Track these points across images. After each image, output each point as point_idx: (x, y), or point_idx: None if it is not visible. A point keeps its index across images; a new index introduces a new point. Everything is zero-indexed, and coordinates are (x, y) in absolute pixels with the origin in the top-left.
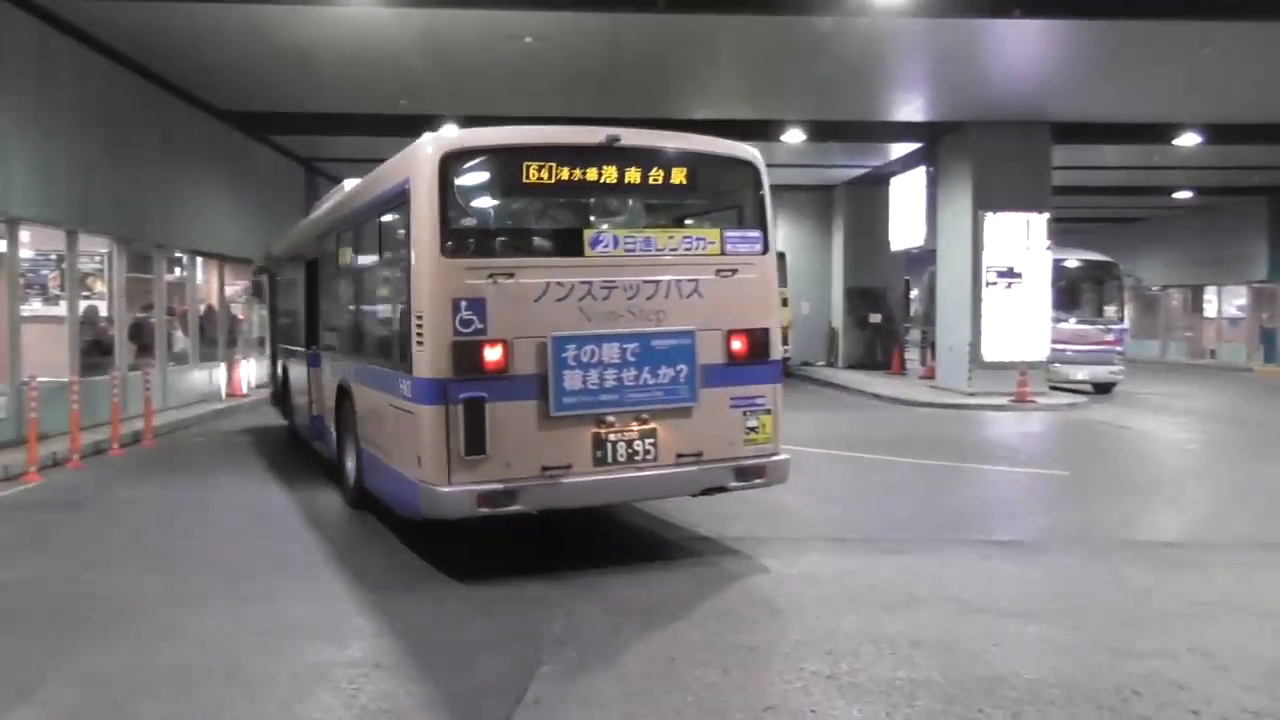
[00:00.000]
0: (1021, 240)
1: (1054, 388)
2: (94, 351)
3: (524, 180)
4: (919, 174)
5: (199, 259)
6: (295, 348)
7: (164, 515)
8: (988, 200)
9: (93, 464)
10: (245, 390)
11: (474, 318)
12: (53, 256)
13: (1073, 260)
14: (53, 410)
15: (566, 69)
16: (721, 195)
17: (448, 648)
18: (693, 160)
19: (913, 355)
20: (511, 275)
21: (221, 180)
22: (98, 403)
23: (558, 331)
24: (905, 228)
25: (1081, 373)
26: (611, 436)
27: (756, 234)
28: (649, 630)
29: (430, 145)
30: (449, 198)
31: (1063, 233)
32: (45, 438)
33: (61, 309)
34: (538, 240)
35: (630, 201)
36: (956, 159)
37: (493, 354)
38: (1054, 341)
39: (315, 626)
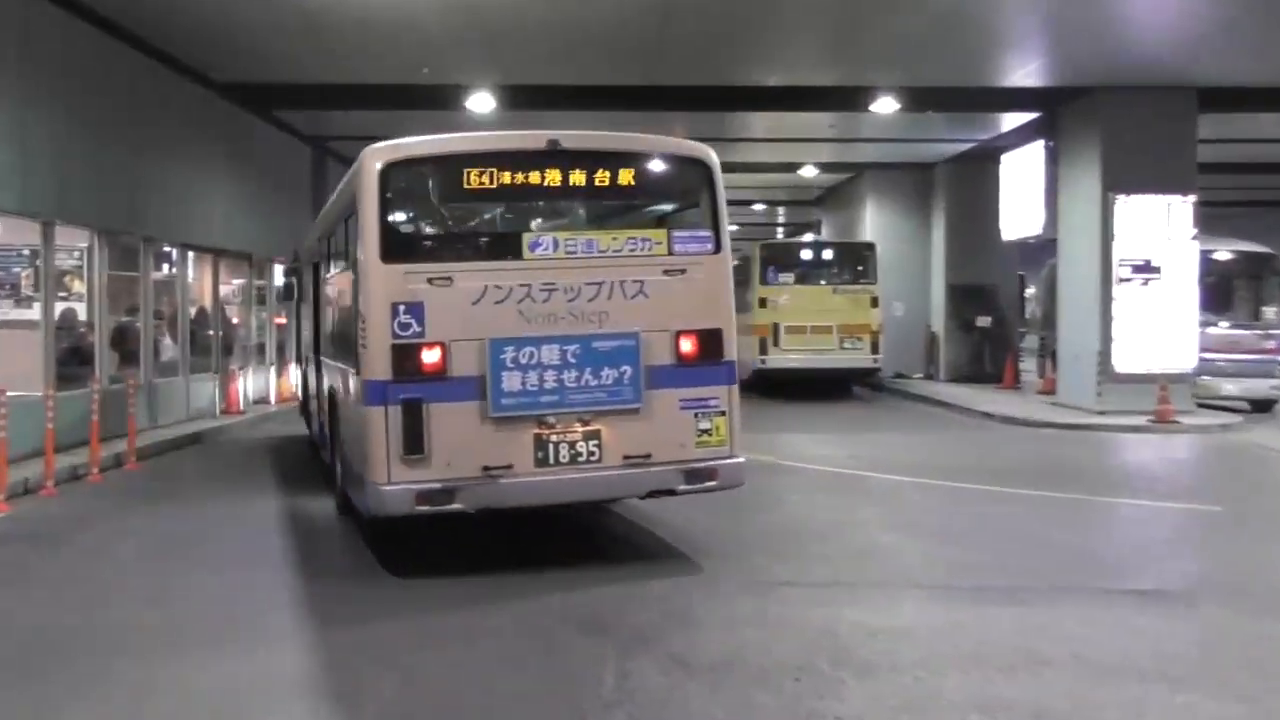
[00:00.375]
0: (1161, 228)
1: (1202, 405)
2: (71, 361)
3: (465, 186)
4: (1036, 150)
5: (190, 254)
6: (308, 353)
7: (149, 550)
8: (1119, 181)
9: (69, 491)
10: (243, 406)
11: (412, 321)
12: (25, 251)
13: (1224, 252)
14: (24, 429)
15: (614, 31)
16: (672, 195)
17: (479, 706)
18: (640, 161)
19: (1029, 366)
20: (449, 279)
21: (217, 163)
22: (75, 421)
23: (496, 334)
24: (1019, 214)
25: (1235, 387)
26: (553, 438)
27: (707, 233)
28: (714, 692)
29: (371, 156)
30: (389, 206)
31: (1211, 219)
32: (15, 461)
33: (35, 312)
34: (477, 245)
35: (574, 203)
36: (1082, 132)
37: (431, 356)
38: (1201, 350)
39: (316, 683)
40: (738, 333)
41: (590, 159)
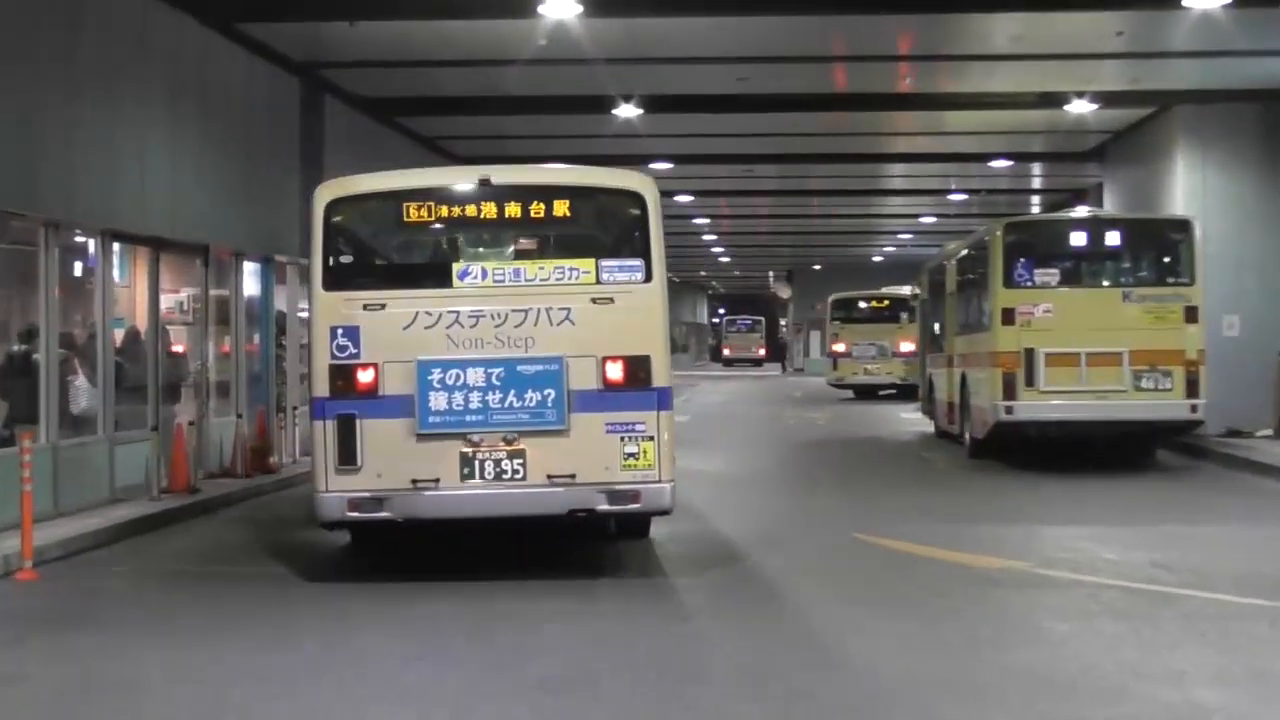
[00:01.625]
0: None
1: None
2: None
3: (404, 220)
4: None
5: (116, 246)
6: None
7: None
8: None
9: None
10: (194, 480)
11: (349, 343)
12: None
13: None
14: None
15: None
16: (605, 225)
17: None
18: (572, 193)
19: None
20: (383, 306)
21: (156, 109)
22: None
23: (423, 356)
24: None
25: None
26: (479, 455)
27: (637, 262)
28: None
29: (319, 192)
30: (332, 238)
31: None
32: None
33: None
34: (410, 274)
35: (505, 235)
36: None
37: (365, 376)
38: None
39: None
40: (965, 363)
41: (522, 193)
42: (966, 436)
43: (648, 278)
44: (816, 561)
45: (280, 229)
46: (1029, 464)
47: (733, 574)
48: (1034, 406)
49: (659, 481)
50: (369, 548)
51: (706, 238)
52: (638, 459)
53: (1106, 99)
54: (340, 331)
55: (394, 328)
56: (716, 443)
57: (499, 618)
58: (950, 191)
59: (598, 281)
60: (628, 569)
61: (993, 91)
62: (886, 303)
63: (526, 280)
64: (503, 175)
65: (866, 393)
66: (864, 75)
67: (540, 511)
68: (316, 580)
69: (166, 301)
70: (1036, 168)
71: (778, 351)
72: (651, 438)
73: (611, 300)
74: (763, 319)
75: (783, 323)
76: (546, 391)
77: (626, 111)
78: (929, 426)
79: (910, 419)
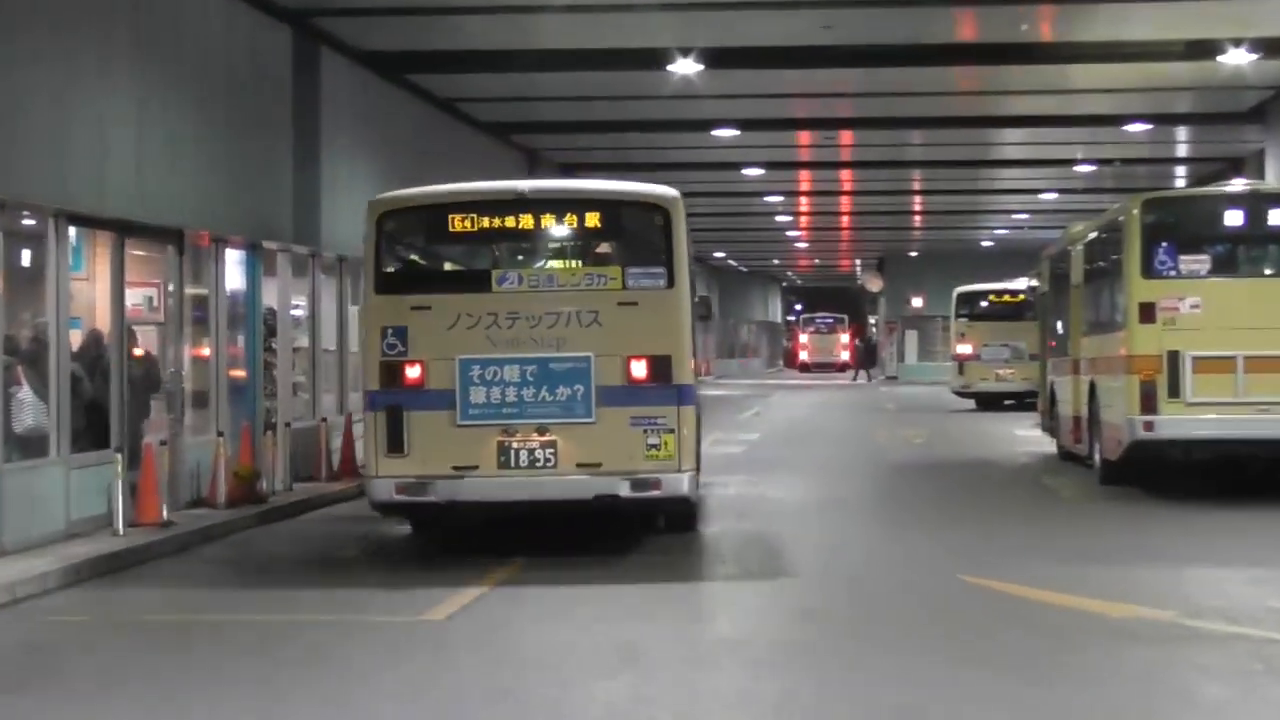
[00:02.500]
0: None
1: None
2: None
3: (449, 230)
4: None
5: (72, 230)
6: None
7: None
8: None
9: None
10: (166, 513)
11: (398, 342)
12: None
13: None
14: None
15: None
16: (631, 234)
17: None
18: (601, 205)
19: None
20: (429, 308)
21: (120, 62)
22: None
23: (464, 354)
24: None
25: None
26: (514, 444)
27: (660, 269)
28: None
29: (371, 205)
30: (383, 246)
31: None
32: None
33: None
34: (453, 279)
35: (540, 244)
36: None
37: (412, 371)
38: None
39: None
40: (1094, 370)
41: (556, 204)
42: (1096, 458)
43: (670, 283)
44: (914, 610)
45: (269, 210)
46: (1172, 492)
47: (811, 624)
48: (1178, 422)
49: (678, 471)
50: (427, 535)
51: (780, 219)
52: (659, 450)
53: (1269, 47)
54: (390, 331)
55: (438, 328)
56: (793, 466)
57: None
58: (1077, 162)
59: (624, 286)
60: (691, 616)
61: (1129, 40)
62: (1022, 297)
63: (559, 285)
64: (538, 190)
65: (992, 402)
66: (974, 22)
67: (570, 496)
68: (311, 630)
69: (133, 297)
70: (1182, 132)
71: (866, 355)
72: (672, 430)
73: (636, 304)
74: (846, 317)
75: (872, 321)
76: (576, 387)
77: (684, 68)
78: (1050, 446)
79: (1027, 437)
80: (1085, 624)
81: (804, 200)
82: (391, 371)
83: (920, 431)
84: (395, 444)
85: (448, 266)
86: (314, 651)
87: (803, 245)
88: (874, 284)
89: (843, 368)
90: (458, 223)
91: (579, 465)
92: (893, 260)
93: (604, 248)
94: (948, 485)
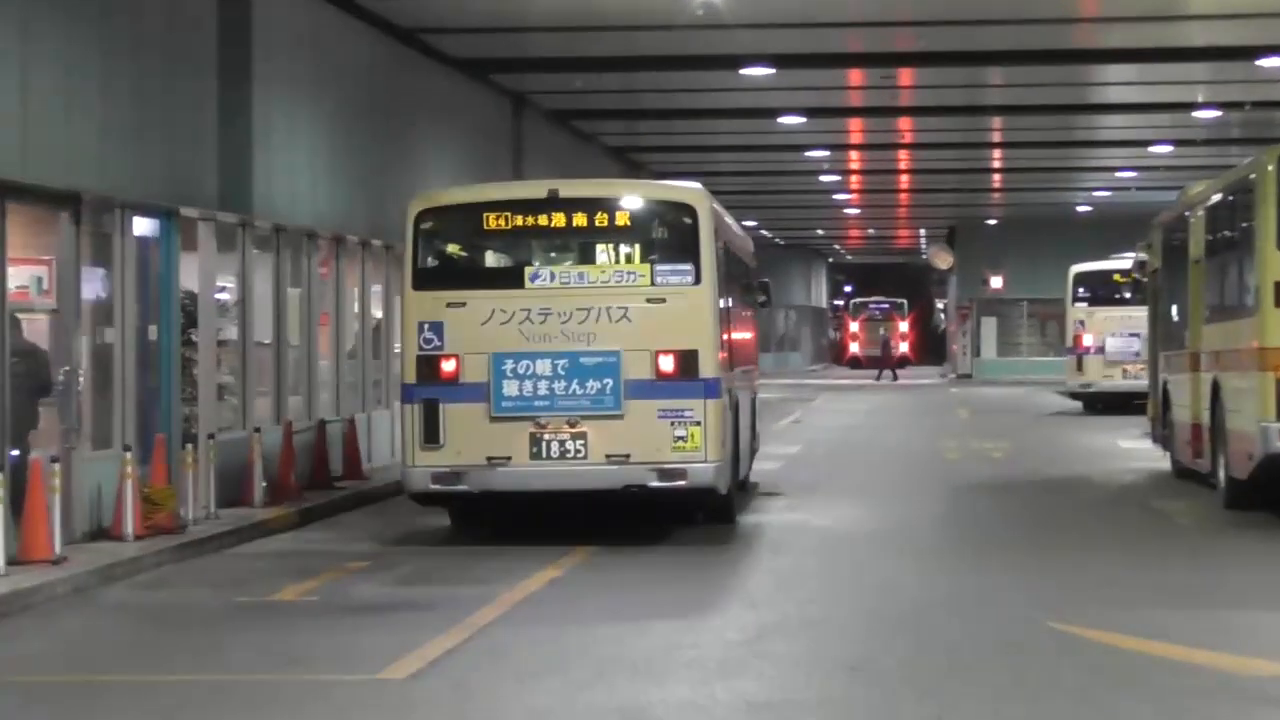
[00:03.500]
0: None
1: None
2: None
3: (484, 228)
4: None
5: None
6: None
7: None
8: None
9: None
10: (58, 547)
11: (434, 337)
12: None
13: None
14: None
15: None
16: (660, 233)
17: None
18: (631, 204)
19: None
20: (464, 304)
21: None
22: None
23: (498, 349)
24: None
25: None
26: (546, 435)
27: (688, 267)
28: None
29: (410, 204)
30: (420, 244)
31: None
32: None
33: None
34: (487, 276)
35: (570, 241)
36: None
37: (447, 365)
38: None
39: None
40: (1218, 365)
41: (586, 204)
42: (1220, 476)
43: (697, 280)
44: (988, 665)
45: (189, 169)
46: None
47: (858, 682)
48: None
49: (704, 461)
50: (466, 526)
51: (826, 179)
52: (686, 441)
53: None
54: (426, 326)
55: (473, 323)
56: (840, 486)
57: None
58: (1196, 106)
59: (652, 283)
60: (710, 672)
61: None
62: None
63: (589, 282)
64: (570, 189)
65: (1117, 404)
66: None
67: (600, 486)
68: (244, 692)
69: (17, 277)
70: None
71: (886, 348)
72: (699, 423)
73: (664, 300)
74: (905, 302)
75: (940, 305)
76: (606, 381)
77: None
78: (1163, 461)
79: (1133, 450)
80: (1205, 683)
81: (855, 155)
82: (428, 365)
83: (1000, 443)
84: (431, 435)
85: (482, 263)
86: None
87: (853, 212)
88: (942, 260)
89: (900, 362)
90: (492, 221)
91: (608, 456)
92: (966, 230)
93: (633, 246)
94: (1034, 510)
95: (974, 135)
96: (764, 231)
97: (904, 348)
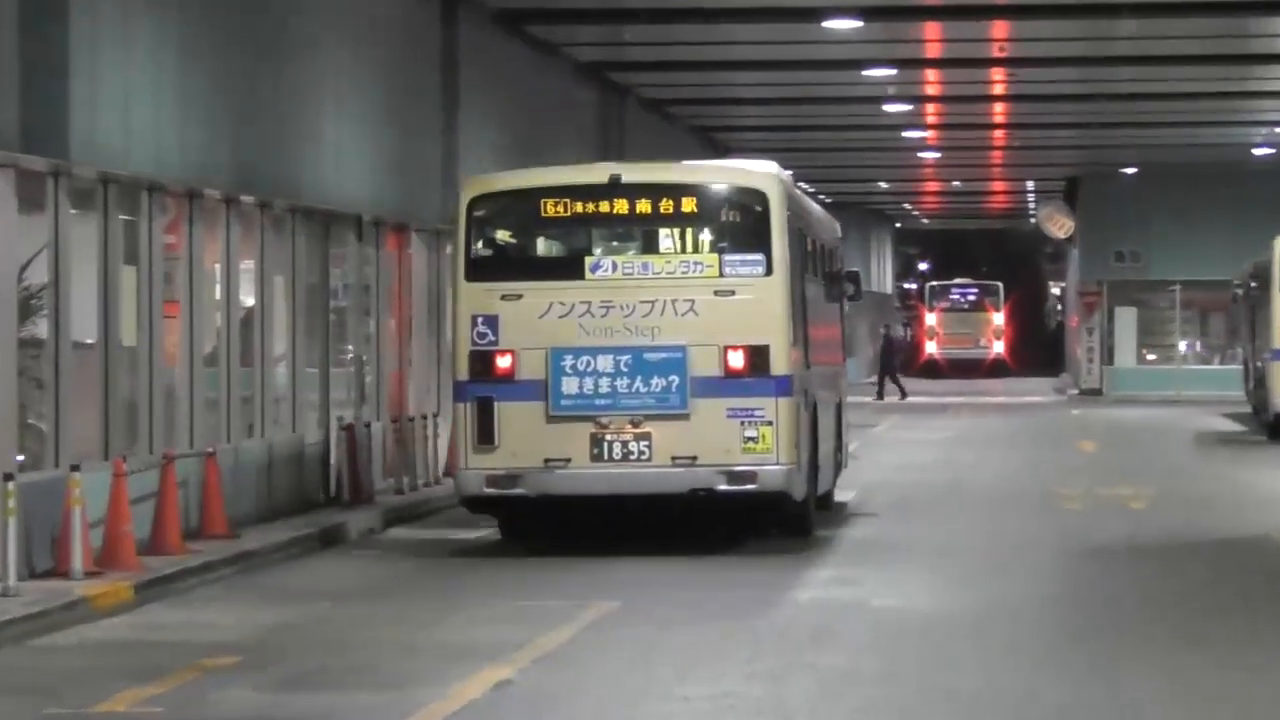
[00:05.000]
0: None
1: None
2: None
3: (541, 215)
4: None
5: None
6: None
7: None
8: None
9: None
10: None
11: (488, 331)
12: None
13: None
14: None
15: None
16: (729, 220)
17: None
18: (698, 190)
19: None
20: (520, 296)
21: None
22: None
23: (556, 344)
24: None
25: None
26: (608, 436)
27: (759, 256)
28: None
29: (463, 190)
30: (473, 232)
31: None
32: None
33: None
34: (545, 266)
35: (633, 230)
36: None
37: (503, 361)
38: None
39: None
40: None
41: (650, 190)
42: None
43: (769, 271)
44: None
45: None
46: None
47: None
48: None
49: (776, 464)
50: (516, 538)
51: (893, 108)
52: (756, 443)
53: None
54: (480, 320)
55: (530, 316)
56: (910, 550)
57: None
58: None
59: (720, 275)
60: None
61: None
62: None
63: (653, 273)
64: (633, 174)
65: None
66: None
67: (664, 490)
68: None
69: None
70: None
71: (1042, 348)
72: (770, 423)
73: (733, 292)
74: (1000, 285)
75: (1055, 291)
76: (671, 378)
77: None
78: None
79: None
80: None
81: (934, 75)
82: (481, 361)
83: (1142, 488)
84: (485, 436)
85: (540, 253)
86: None
87: (930, 155)
88: (1058, 225)
89: (993, 365)
90: (550, 208)
91: (674, 458)
92: (1094, 184)
93: (700, 234)
94: (1191, 587)
95: (1102, 46)
96: (801, 184)
97: (998, 347)
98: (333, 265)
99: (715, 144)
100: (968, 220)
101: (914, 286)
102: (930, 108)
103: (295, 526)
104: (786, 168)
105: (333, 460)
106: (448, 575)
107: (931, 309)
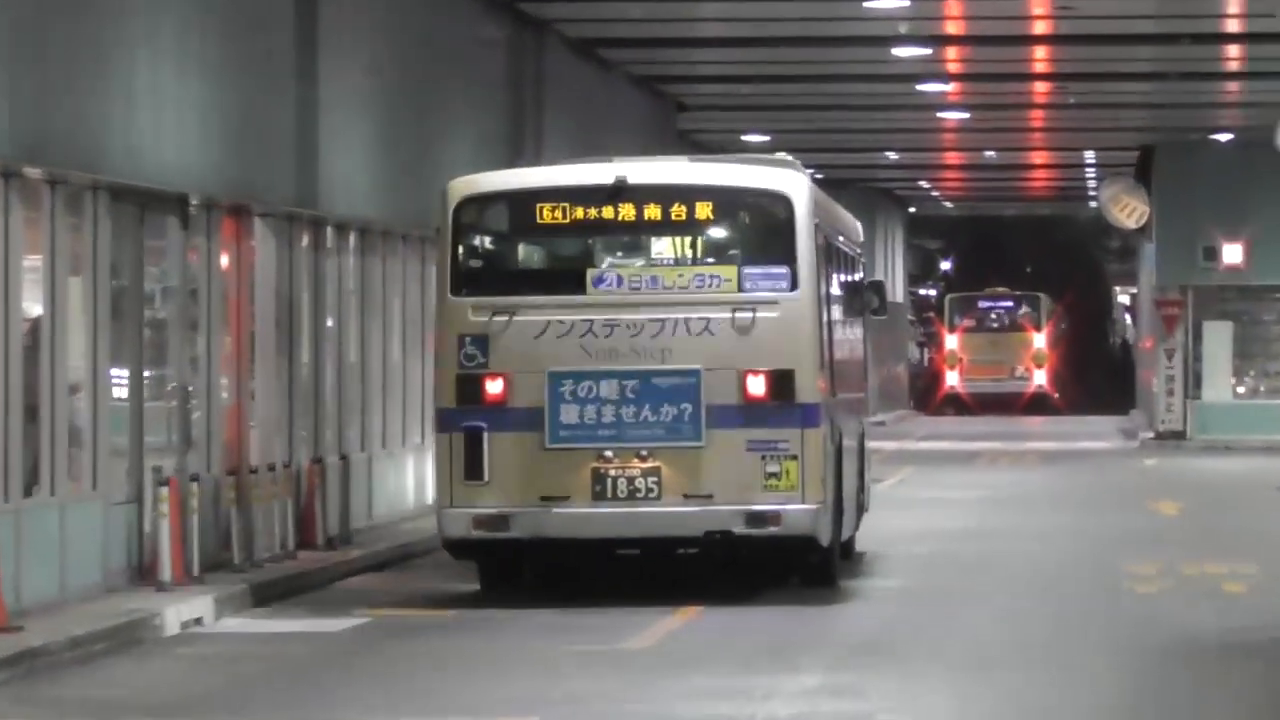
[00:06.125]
0: None
1: None
2: None
3: (537, 221)
4: None
5: None
6: None
7: None
8: None
9: None
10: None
11: (477, 352)
12: None
13: None
14: None
15: None
16: (749, 228)
17: None
18: (714, 195)
19: None
20: (514, 313)
21: None
22: None
23: (555, 367)
24: None
25: None
26: (611, 471)
27: (782, 270)
28: None
29: (449, 190)
30: (460, 240)
31: None
32: None
33: None
34: (542, 279)
35: (643, 239)
36: None
37: (493, 386)
38: None
39: None
40: None
41: (660, 194)
42: None
43: (794, 286)
44: None
45: None
46: None
47: None
48: None
49: (802, 504)
50: (498, 589)
51: (903, 52)
52: (780, 479)
53: None
54: (469, 340)
55: (524, 336)
56: (930, 648)
57: None
58: None
59: (740, 290)
60: None
61: None
62: None
63: (664, 288)
64: (640, 174)
65: None
66: None
67: (675, 533)
68: None
69: None
70: None
71: (1105, 377)
72: (795, 457)
73: (753, 310)
74: (1042, 297)
75: (1122, 300)
76: (683, 405)
77: None
78: None
79: None
80: None
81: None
82: (470, 386)
83: (1241, 564)
84: (473, 471)
85: (536, 264)
86: None
87: (957, 116)
88: (1127, 212)
89: (1032, 399)
90: (548, 213)
91: (686, 496)
92: (1174, 156)
93: (717, 244)
94: None
95: None
96: (783, 155)
97: (1039, 378)
98: (148, 262)
99: (665, 98)
100: (1005, 204)
101: (934, 293)
102: (952, 52)
103: (98, 615)
104: (758, 133)
105: (147, 526)
106: (303, 684)
107: (953, 328)
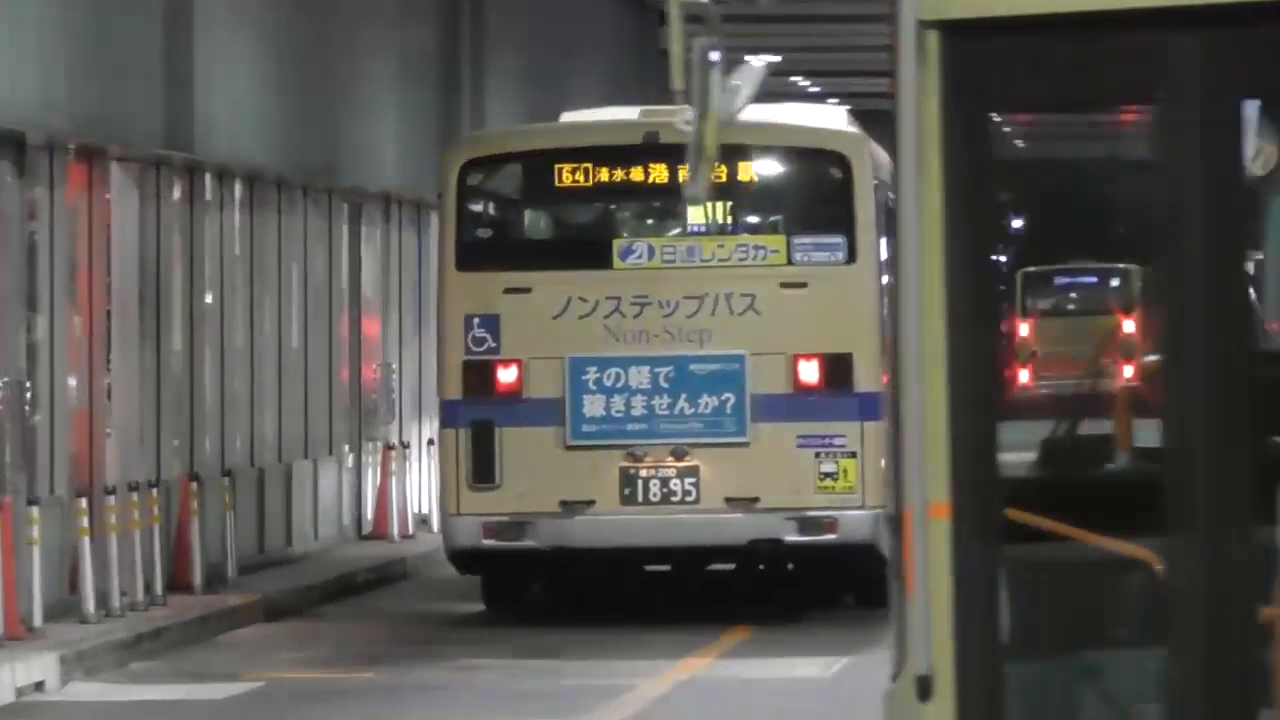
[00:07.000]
0: None
1: None
2: None
3: (556, 184)
4: None
5: None
6: None
7: None
8: None
9: None
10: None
11: (487, 335)
12: None
13: None
14: None
15: None
16: (800, 191)
17: None
18: (761, 154)
19: None
20: (528, 290)
21: None
22: None
23: (577, 352)
24: None
25: None
26: (643, 472)
27: (838, 239)
28: None
29: (451, 151)
30: (467, 206)
31: None
32: None
33: None
34: (561, 251)
35: (677, 205)
36: None
37: (506, 374)
38: None
39: None
40: None
41: None
42: None
43: (851, 257)
44: None
45: None
46: None
47: None
48: None
49: (862, 508)
50: (504, 606)
51: None
52: (836, 480)
53: None
54: (477, 321)
55: (541, 317)
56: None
57: None
58: None
59: (789, 262)
60: None
61: None
62: None
63: (702, 260)
64: (674, 130)
65: None
66: None
67: (716, 542)
68: None
69: None
70: None
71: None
72: (853, 454)
73: (805, 285)
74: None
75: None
76: (725, 396)
77: None
78: None
79: None
80: None
81: None
82: (478, 374)
83: None
84: (484, 472)
85: (554, 234)
86: None
87: None
88: (1252, 155)
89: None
90: (567, 175)
91: (729, 500)
92: None
93: (764, 209)
94: None
95: None
96: (794, 79)
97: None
98: None
99: (644, 8)
100: (1087, 142)
101: (1001, 260)
102: None
103: None
104: (766, 52)
105: None
106: None
107: (1026, 312)
